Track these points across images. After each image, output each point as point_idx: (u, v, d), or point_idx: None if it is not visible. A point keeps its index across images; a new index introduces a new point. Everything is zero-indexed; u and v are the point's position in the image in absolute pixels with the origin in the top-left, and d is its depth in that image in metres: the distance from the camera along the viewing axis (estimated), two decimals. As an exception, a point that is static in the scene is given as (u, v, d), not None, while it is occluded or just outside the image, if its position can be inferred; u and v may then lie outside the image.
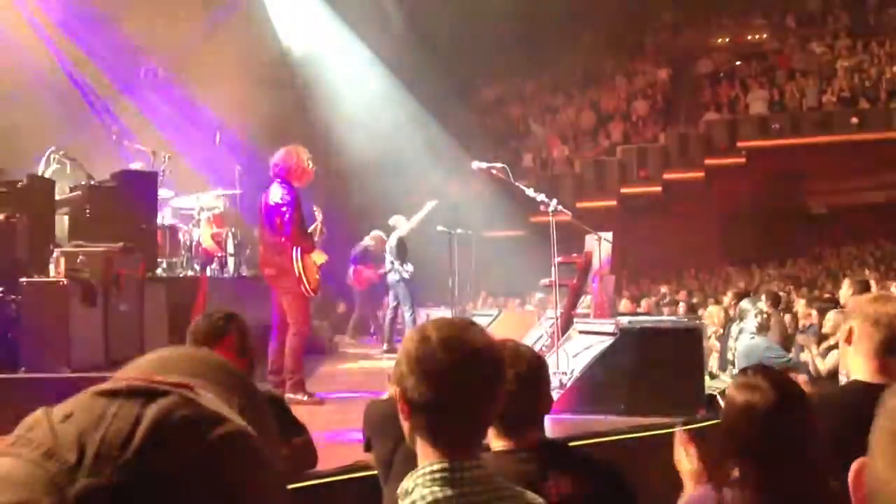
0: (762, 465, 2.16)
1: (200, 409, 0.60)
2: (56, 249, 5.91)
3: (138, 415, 0.58)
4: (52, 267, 5.72)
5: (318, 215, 6.53)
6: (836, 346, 7.09)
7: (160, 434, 0.57)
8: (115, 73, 12.72)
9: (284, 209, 6.03)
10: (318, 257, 6.23)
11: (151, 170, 8.53)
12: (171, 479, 0.56)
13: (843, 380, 2.86)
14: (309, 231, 6.47)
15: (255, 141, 13.32)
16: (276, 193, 6.12)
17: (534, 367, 2.40)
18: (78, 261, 5.71)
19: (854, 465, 0.78)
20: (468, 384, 1.69)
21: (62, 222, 6.70)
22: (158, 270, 7.79)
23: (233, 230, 9.38)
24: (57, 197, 6.65)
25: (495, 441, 2.33)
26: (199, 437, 0.58)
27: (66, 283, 5.48)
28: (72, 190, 6.92)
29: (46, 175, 6.98)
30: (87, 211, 6.69)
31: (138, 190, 7.49)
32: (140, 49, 12.97)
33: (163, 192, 8.57)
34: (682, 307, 12.21)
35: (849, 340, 2.60)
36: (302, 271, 6.05)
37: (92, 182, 7.06)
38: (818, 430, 2.21)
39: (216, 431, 0.59)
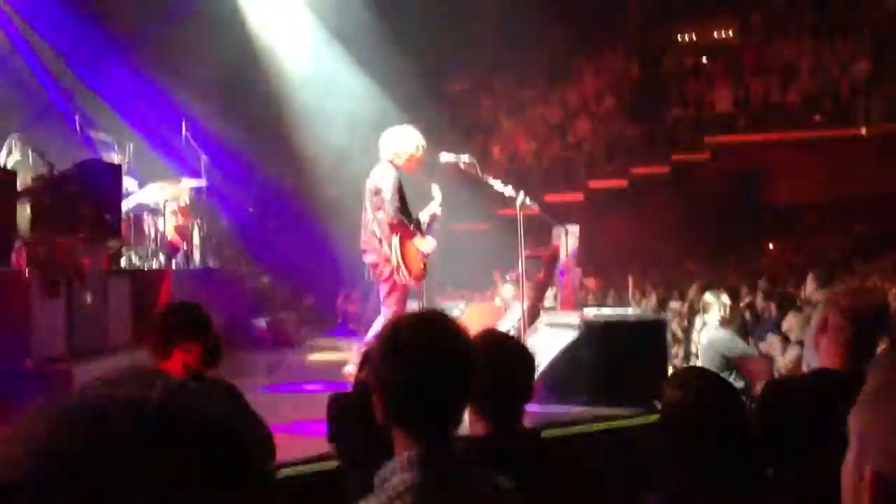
0: (696, 462, 2.22)
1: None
2: (17, 240, 5.82)
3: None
4: (13, 257, 5.64)
5: (437, 195, 6.15)
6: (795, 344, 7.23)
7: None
8: (77, 62, 12.54)
9: (383, 192, 5.85)
10: (424, 245, 6.01)
11: (116, 160, 8.43)
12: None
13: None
14: (422, 216, 6.15)
15: (222, 132, 13.22)
16: (376, 175, 5.95)
17: (518, 358, 2.45)
18: (39, 251, 5.63)
19: (867, 475, 0.80)
20: (439, 369, 1.73)
21: (24, 212, 6.59)
22: (123, 262, 7.72)
23: (199, 221, 9.31)
24: (18, 187, 6.54)
25: (474, 426, 2.36)
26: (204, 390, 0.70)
27: (27, 273, 5.41)
28: (33, 180, 6.80)
29: (7, 165, 6.87)
30: (50, 201, 6.59)
31: (102, 180, 7.39)
32: (104, 37, 12.80)
33: (127, 183, 8.48)
34: (653, 300, 12.32)
35: (823, 330, 2.68)
36: (400, 259, 5.84)
37: (54, 172, 6.96)
38: (748, 424, 2.31)
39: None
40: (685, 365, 8.59)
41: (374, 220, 5.92)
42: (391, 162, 5.99)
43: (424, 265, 6.01)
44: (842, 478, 0.86)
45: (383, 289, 5.95)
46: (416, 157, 6.06)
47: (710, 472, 2.20)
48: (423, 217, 6.20)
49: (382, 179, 5.91)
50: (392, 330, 1.79)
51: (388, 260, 5.87)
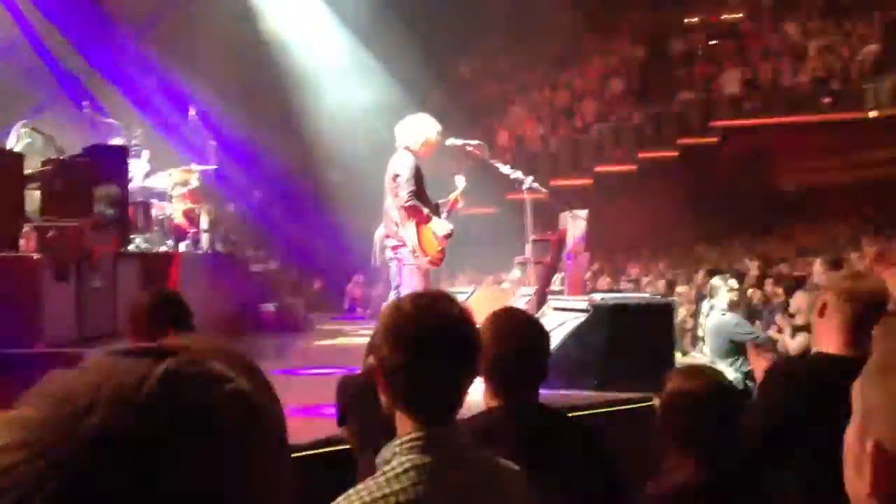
0: (700, 453, 2.25)
1: (210, 367, 0.62)
2: (27, 224, 5.84)
3: (149, 369, 0.59)
4: (22, 242, 5.66)
5: (461, 184, 6.25)
6: (803, 328, 7.21)
7: (171, 384, 0.58)
8: (86, 47, 12.53)
9: (400, 177, 5.96)
10: (440, 228, 6.09)
11: (125, 145, 8.45)
12: (182, 425, 0.57)
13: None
14: (446, 200, 6.27)
15: (230, 117, 13.23)
16: (394, 162, 6.06)
17: (534, 333, 2.47)
18: (49, 235, 5.65)
19: (869, 446, 0.81)
20: (440, 351, 1.73)
21: (33, 197, 6.62)
22: (131, 246, 7.74)
23: (207, 206, 9.32)
24: (27, 171, 6.56)
25: (490, 401, 2.39)
26: (208, 390, 0.60)
27: (37, 258, 5.43)
28: (43, 164, 6.82)
29: (16, 149, 6.88)
30: (59, 186, 6.61)
31: (110, 165, 7.42)
32: (112, 22, 12.79)
33: (136, 167, 8.50)
34: (661, 284, 12.31)
35: (821, 313, 2.67)
36: (416, 243, 5.96)
37: (63, 157, 6.98)
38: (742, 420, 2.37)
39: (226, 387, 0.61)
40: (692, 349, 8.60)
41: (394, 206, 5.98)
42: (408, 149, 6.05)
43: (442, 249, 6.07)
44: (844, 448, 0.86)
45: (404, 272, 6.03)
46: (432, 143, 6.16)
47: (708, 463, 2.24)
48: (443, 203, 6.29)
49: (400, 166, 6.01)
50: (393, 312, 1.79)
51: (406, 244, 5.95)
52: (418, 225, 5.98)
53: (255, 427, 0.62)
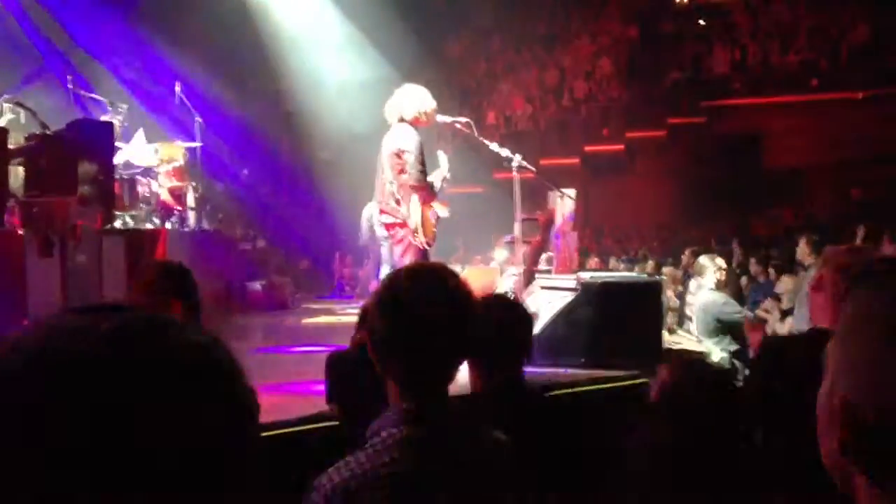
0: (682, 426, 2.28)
1: (162, 319, 0.62)
2: (11, 199, 5.79)
3: (96, 327, 0.59)
4: (6, 218, 5.61)
5: (444, 162, 6.03)
6: (789, 312, 7.25)
7: (119, 339, 0.58)
8: (71, 22, 12.38)
9: (406, 153, 5.74)
10: (442, 209, 5.96)
11: (111, 121, 8.36)
12: (133, 385, 0.57)
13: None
14: (434, 181, 6.06)
15: (217, 94, 13.12)
16: (395, 137, 5.82)
17: (517, 316, 2.47)
18: (33, 211, 5.61)
19: (836, 401, 0.84)
20: (433, 323, 1.70)
21: (17, 173, 6.55)
22: (117, 223, 7.69)
23: (193, 184, 9.26)
24: (11, 146, 6.48)
25: (474, 383, 2.39)
26: (164, 335, 0.60)
27: (21, 233, 5.38)
28: (26, 140, 6.74)
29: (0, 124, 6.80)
30: (43, 161, 6.54)
31: (95, 141, 7.33)
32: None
33: (120, 144, 8.42)
34: (650, 264, 12.34)
35: (818, 288, 2.68)
36: (419, 221, 5.77)
37: (47, 132, 6.89)
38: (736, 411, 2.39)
39: (180, 336, 0.61)
40: (679, 328, 8.62)
41: (394, 182, 5.85)
42: (414, 121, 5.90)
43: (436, 229, 5.98)
44: (817, 405, 0.90)
45: (397, 250, 5.89)
46: (431, 112, 5.96)
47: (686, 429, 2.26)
48: (436, 182, 6.14)
49: (405, 141, 5.78)
50: (391, 282, 1.77)
51: (404, 223, 5.82)
52: (423, 204, 5.85)
53: (211, 377, 0.61)
